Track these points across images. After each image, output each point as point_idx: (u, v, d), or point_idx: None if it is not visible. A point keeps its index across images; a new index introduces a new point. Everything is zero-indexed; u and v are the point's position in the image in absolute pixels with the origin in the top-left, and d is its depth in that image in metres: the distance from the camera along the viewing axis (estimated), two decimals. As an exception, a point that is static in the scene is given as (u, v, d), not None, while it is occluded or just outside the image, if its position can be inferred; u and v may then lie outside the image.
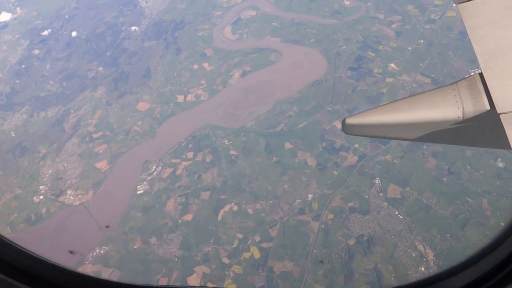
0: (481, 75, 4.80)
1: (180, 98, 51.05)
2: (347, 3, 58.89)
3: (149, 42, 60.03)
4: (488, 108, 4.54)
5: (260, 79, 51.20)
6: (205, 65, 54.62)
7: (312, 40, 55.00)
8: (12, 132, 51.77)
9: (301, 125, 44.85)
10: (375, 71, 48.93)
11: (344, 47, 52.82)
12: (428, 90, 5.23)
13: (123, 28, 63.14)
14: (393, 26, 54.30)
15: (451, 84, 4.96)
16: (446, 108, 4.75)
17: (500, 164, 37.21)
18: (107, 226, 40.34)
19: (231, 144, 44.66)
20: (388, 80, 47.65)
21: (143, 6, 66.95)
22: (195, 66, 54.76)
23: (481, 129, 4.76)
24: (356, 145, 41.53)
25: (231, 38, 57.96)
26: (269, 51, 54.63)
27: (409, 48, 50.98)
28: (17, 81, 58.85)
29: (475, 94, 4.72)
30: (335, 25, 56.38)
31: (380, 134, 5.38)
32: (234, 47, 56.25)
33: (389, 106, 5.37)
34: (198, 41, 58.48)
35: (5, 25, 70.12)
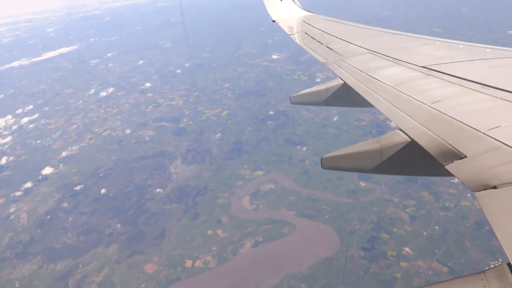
0: (509, 265, 4.65)
1: (189, 263, 50.38)
2: (362, 184, 61.25)
3: (170, 205, 62.65)
4: None
5: (271, 251, 50.64)
6: (219, 231, 55.31)
7: (326, 216, 55.81)
8: (17, 283, 51.19)
9: (308, 304, 42.23)
10: (389, 253, 47.66)
11: (358, 226, 52.91)
12: (454, 278, 5.01)
13: (149, 190, 67.01)
14: (408, 210, 54.91)
15: (479, 273, 4.69)
16: None
17: None
18: None
19: (231, 318, 41.88)
20: (403, 264, 45.88)
21: (172, 171, 72.15)
22: (209, 232, 55.50)
23: None
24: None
25: (248, 208, 59.77)
26: (283, 223, 55.34)
27: (424, 233, 50.38)
28: (38, 231, 60.87)
29: (507, 287, 4.52)
30: (350, 204, 57.69)
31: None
32: (250, 217, 57.52)
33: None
34: (216, 207, 60.57)
35: (45, 178, 76.34)
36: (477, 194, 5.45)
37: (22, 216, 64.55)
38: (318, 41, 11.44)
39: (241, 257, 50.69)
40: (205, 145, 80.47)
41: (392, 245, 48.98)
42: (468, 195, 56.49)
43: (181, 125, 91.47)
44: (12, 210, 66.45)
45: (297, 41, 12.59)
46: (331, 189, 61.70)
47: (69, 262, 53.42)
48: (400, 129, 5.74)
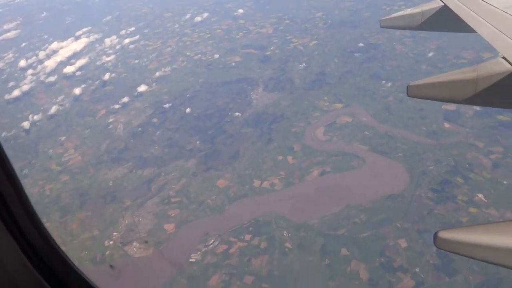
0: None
1: (257, 183, 53.43)
2: (446, 125, 57.53)
3: (246, 129, 65.38)
4: None
5: (336, 181, 51.37)
6: (289, 158, 57.02)
7: (400, 154, 54.19)
8: (111, 182, 59.11)
9: (364, 234, 42.98)
10: (459, 198, 45.57)
11: (431, 168, 50.79)
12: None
13: (229, 113, 70.19)
14: (492, 156, 50.88)
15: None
16: None
17: None
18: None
19: (289, 236, 44.52)
20: (472, 210, 43.79)
21: (253, 97, 74.18)
22: (280, 157, 57.48)
23: None
24: (417, 270, 38.05)
25: (321, 138, 60.15)
26: (353, 156, 55.10)
27: (505, 182, 46.79)
28: (131, 141, 68.25)
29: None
30: (428, 144, 55.00)
31: (478, 256, 4.51)
32: (321, 147, 58.05)
33: (493, 226, 4.66)
34: (290, 135, 61.88)
35: (140, 94, 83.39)
36: None
37: (118, 127, 72.52)
38: None
39: (307, 183, 52.28)
40: (288, 74, 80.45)
41: (464, 190, 46.60)
42: None
43: (268, 53, 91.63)
44: (110, 120, 74.81)
45: None
46: (411, 127, 58.99)
47: (154, 170, 59.76)
48: (504, 57, 5.09)
